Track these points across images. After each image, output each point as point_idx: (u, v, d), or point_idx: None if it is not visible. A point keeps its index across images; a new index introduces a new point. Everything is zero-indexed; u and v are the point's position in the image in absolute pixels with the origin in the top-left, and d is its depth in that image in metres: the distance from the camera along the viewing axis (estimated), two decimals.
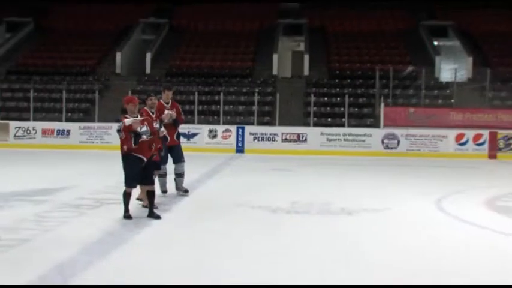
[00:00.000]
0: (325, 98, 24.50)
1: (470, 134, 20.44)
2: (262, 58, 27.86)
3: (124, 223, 7.58)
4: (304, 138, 20.73)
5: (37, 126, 21.53)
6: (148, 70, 27.60)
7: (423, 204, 9.70)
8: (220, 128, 21.15)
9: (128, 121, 7.66)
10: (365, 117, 23.25)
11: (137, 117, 7.85)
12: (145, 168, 7.87)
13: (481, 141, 20.33)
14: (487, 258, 6.23)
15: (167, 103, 9.76)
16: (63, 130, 21.45)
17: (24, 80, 26.19)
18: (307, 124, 22.27)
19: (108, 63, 28.27)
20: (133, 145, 7.67)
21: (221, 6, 32.11)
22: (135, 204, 8.54)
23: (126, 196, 7.82)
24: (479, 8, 29.84)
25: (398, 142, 20.51)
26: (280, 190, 11.32)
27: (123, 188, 7.83)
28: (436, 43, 28.71)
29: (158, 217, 7.86)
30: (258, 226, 7.72)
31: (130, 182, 7.81)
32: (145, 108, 8.63)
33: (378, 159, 19.01)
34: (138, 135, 7.67)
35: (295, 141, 20.73)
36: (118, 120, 8.27)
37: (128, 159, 7.80)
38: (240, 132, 20.81)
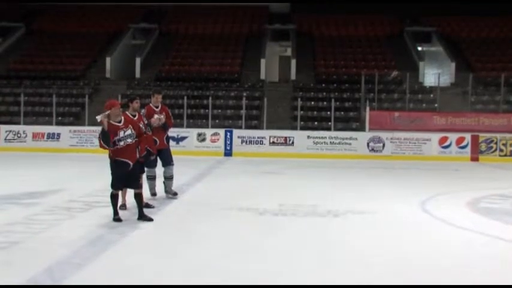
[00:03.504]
0: (312, 102, 24.85)
1: (453, 137, 20.86)
2: (250, 63, 28.19)
3: (114, 226, 7.70)
4: (291, 142, 21.07)
5: (27, 130, 21.71)
6: (138, 74, 27.82)
7: (408, 206, 9.94)
8: (208, 132, 21.44)
9: (98, 117, 7.73)
10: (351, 121, 23.63)
11: (120, 121, 7.90)
12: (130, 171, 7.95)
13: (463, 144, 20.76)
14: (468, 259, 6.43)
15: (156, 107, 9.94)
16: (54, 134, 21.63)
17: (14, 85, 26.34)
18: (294, 128, 22.61)
19: (98, 68, 28.45)
20: (106, 146, 7.72)
21: (210, 12, 32.43)
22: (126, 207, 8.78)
23: (114, 198, 7.93)
24: (462, 14, 30.35)
25: (384, 145, 20.89)
26: (267, 193, 11.56)
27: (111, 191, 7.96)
28: (420, 48, 29.21)
29: (149, 219, 8.01)
30: (246, 228, 7.94)
31: (115, 184, 7.92)
32: (126, 112, 8.57)
33: (363, 162, 19.34)
34: (105, 133, 7.67)
35: (282, 144, 21.06)
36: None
37: (113, 163, 7.91)
38: (228, 136, 21.11)
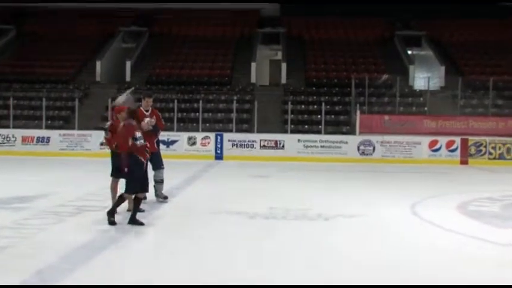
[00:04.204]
0: (302, 106, 24.91)
1: (443, 140, 20.96)
2: (241, 66, 28.23)
3: (105, 230, 7.68)
4: (281, 145, 21.10)
5: (17, 133, 21.59)
6: (128, 78, 27.77)
7: (398, 210, 10.00)
8: (199, 135, 21.43)
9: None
10: (341, 125, 23.70)
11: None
12: (145, 172, 8.03)
13: (453, 147, 20.86)
14: (458, 262, 6.48)
15: (147, 111, 9.95)
16: (43, 137, 21.53)
17: (4, 88, 26.21)
18: (284, 131, 22.65)
19: (88, 72, 28.38)
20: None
21: (200, 15, 32.46)
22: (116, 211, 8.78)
23: (122, 201, 7.96)
24: (452, 18, 30.53)
25: (374, 149, 20.96)
26: (258, 196, 11.58)
27: (102, 194, 7.90)
28: (410, 52, 29.37)
29: (141, 223, 8.00)
30: (236, 231, 7.96)
31: (136, 187, 7.95)
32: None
33: (354, 166, 19.41)
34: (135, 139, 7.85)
35: (273, 148, 21.09)
36: (102, 128, 8.44)
37: (133, 163, 7.90)
38: (218, 139, 21.11)
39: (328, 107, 23.67)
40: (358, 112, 22.22)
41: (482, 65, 27.32)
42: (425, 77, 26.22)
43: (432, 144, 20.90)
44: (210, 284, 5.42)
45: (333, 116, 23.97)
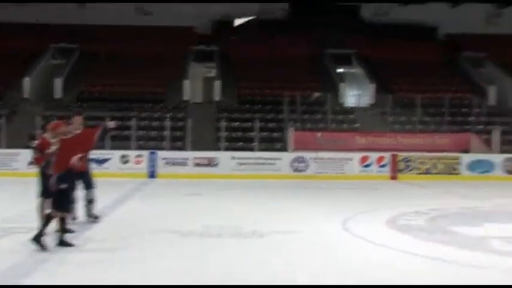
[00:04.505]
0: (236, 123, 25.02)
1: (373, 156, 21.46)
2: (175, 84, 28.09)
3: (31, 253, 7.41)
4: (215, 163, 21.09)
5: None
6: (58, 95, 27.13)
7: (330, 225, 10.13)
8: (132, 153, 21.15)
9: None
10: (275, 142, 23.92)
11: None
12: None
13: (383, 163, 21.40)
14: (389, 276, 6.60)
15: (77, 129, 9.65)
16: None
17: None
18: (218, 149, 22.66)
19: (16, 88, 27.56)
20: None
21: (133, 32, 32.12)
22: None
23: (51, 221, 7.71)
24: (381, 37, 31.45)
25: (307, 165, 21.24)
26: (192, 214, 11.53)
27: (30, 216, 7.67)
28: (340, 70, 30.09)
29: (70, 245, 7.80)
30: (169, 251, 7.89)
31: (64, 206, 7.81)
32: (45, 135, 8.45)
33: (287, 182, 19.61)
34: None
35: (206, 165, 21.04)
36: (28, 147, 8.22)
37: (62, 179, 7.77)
38: (152, 157, 20.90)
39: (261, 124, 23.87)
40: (291, 129, 22.51)
41: (410, 84, 28.24)
42: (355, 95, 26.91)
43: (363, 160, 21.37)
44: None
45: (266, 133, 24.18)
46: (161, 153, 21.21)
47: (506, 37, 31.37)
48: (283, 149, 22.84)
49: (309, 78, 29.15)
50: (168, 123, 23.01)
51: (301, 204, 13.61)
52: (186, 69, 28.85)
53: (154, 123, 24.52)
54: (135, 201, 14.17)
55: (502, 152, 22.39)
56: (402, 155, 21.52)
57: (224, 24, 32.17)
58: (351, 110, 26.51)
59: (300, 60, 30.91)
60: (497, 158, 21.78)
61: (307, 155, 21.33)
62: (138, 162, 20.86)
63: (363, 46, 31.16)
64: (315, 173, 21.09)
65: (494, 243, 8.60)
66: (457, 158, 21.62)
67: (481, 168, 21.52)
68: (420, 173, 21.36)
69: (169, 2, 31.61)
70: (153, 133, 23.93)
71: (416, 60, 30.33)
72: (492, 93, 27.71)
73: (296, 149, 21.90)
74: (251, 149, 22.69)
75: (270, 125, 24.94)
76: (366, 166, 21.37)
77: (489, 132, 23.33)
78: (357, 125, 24.69)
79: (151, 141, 23.22)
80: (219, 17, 32.41)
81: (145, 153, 21.05)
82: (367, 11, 32.99)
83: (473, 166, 21.51)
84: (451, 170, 21.47)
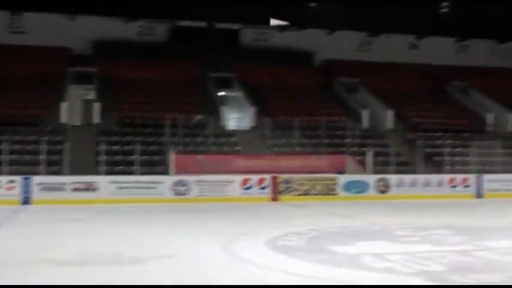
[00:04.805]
0: (116, 146, 24.48)
1: (254, 178, 21.77)
2: (52, 106, 27.02)
3: None
4: (94, 187, 20.45)
5: None
6: None
7: (211, 248, 10.14)
8: (4, 179, 20.03)
9: None
10: (156, 165, 23.64)
11: None
12: None
13: (264, 185, 21.78)
14: None
15: None
16: None
17: None
18: (98, 173, 22.03)
19: None
20: None
21: (6, 51, 30.62)
22: None
23: None
24: (261, 62, 32.17)
25: (189, 188, 21.15)
26: (69, 241, 11.13)
27: None
28: (222, 93, 30.42)
29: None
30: (44, 281, 7.49)
31: None
32: None
33: (169, 206, 19.40)
34: None
35: (85, 190, 20.34)
36: None
37: None
38: (25, 183, 19.90)
39: (142, 147, 23.53)
40: (172, 152, 22.39)
41: (288, 107, 29.03)
42: (236, 118, 27.29)
43: (244, 182, 21.64)
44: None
45: (147, 157, 23.84)
46: (36, 178, 20.25)
47: (377, 64, 33.35)
48: (165, 172, 22.62)
49: (191, 101, 29.17)
50: (44, 146, 22.06)
51: (182, 228, 13.54)
52: (64, 91, 27.89)
53: (29, 147, 23.41)
54: (7, 229, 13.44)
55: (375, 172, 23.58)
56: (282, 176, 22.03)
57: (103, 45, 31.51)
58: (232, 133, 26.83)
59: (182, 83, 30.87)
60: (371, 179, 22.89)
61: (189, 178, 21.27)
62: (10, 188, 19.77)
63: (244, 70, 31.73)
64: (197, 196, 21.06)
65: (367, 260, 8.97)
66: (334, 179, 22.46)
67: (356, 188, 22.50)
68: (300, 194, 21.96)
69: (44, 21, 30.58)
70: (27, 157, 22.83)
71: (295, 84, 31.33)
72: (365, 116, 29.17)
73: (177, 172, 21.78)
74: (132, 173, 22.28)
75: (151, 148, 24.65)
76: (247, 188, 21.64)
77: (363, 154, 24.47)
78: (238, 147, 25.01)
79: (25, 166, 22.11)
80: (97, 37, 31.74)
81: (18, 178, 20.01)
82: (248, 36, 33.73)
83: (349, 186, 22.45)
84: (329, 191, 22.26)
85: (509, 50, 36.28)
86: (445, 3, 30.60)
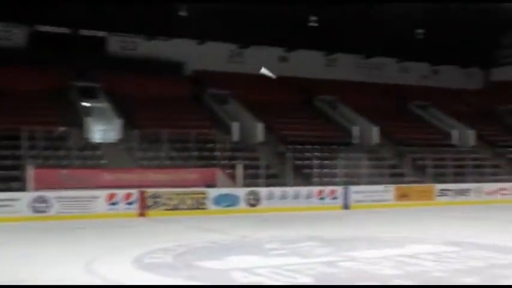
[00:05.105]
0: None
1: (121, 193, 20.81)
2: None
3: None
4: None
5: None
6: None
7: (73, 268, 9.56)
8: None
9: None
10: (12, 181, 21.87)
11: None
12: None
13: (131, 200, 20.88)
14: None
15: None
16: None
17: None
18: None
19: None
20: None
21: None
22: None
23: None
24: (128, 71, 31.13)
25: (50, 205, 19.77)
26: None
27: None
28: (86, 104, 28.92)
29: None
30: None
31: None
32: None
33: (27, 225, 18.06)
34: None
35: None
36: None
37: None
38: None
39: None
40: (31, 167, 20.82)
41: (157, 119, 28.24)
42: (102, 130, 26.10)
43: (110, 197, 20.62)
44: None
45: (2, 172, 22.01)
46: None
47: (247, 76, 33.53)
48: (22, 188, 20.97)
49: (51, 112, 27.45)
50: None
51: (42, 248, 12.71)
52: None
53: None
54: None
55: (245, 185, 23.45)
56: (150, 191, 21.26)
57: None
58: (97, 146, 25.57)
59: (44, 92, 28.99)
60: (241, 192, 22.73)
61: (50, 194, 19.87)
62: None
63: (110, 80, 30.42)
64: (58, 213, 19.73)
65: (236, 275, 8.75)
66: (204, 193, 22.04)
67: (226, 202, 22.24)
68: (169, 209, 21.30)
69: None
70: None
71: (164, 95, 30.62)
72: (235, 129, 29.04)
73: (37, 188, 20.27)
74: None
75: (6, 162, 22.80)
76: (113, 204, 20.65)
77: (233, 167, 24.29)
78: (104, 161, 23.86)
79: None
80: None
81: None
82: (115, 45, 32.47)
83: (219, 200, 22.13)
84: (199, 205, 21.81)
85: (374, 65, 38.11)
86: (312, 17, 31.34)
